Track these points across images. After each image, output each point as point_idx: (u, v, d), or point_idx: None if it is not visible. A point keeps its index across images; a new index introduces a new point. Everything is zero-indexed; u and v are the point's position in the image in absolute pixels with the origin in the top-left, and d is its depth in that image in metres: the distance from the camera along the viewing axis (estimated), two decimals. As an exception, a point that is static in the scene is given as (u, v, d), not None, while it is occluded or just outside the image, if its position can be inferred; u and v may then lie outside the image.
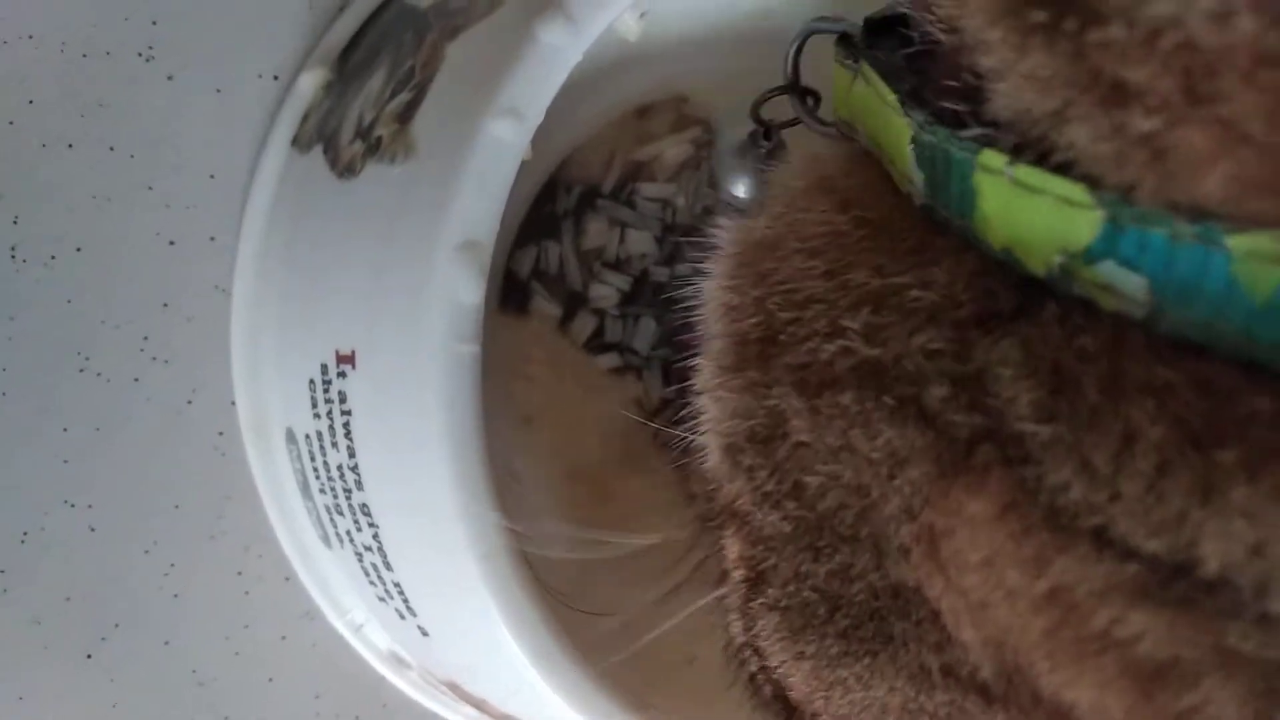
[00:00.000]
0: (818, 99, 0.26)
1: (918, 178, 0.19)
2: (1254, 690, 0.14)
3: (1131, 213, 0.15)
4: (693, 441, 0.22)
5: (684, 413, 0.23)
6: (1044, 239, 0.16)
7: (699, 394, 0.22)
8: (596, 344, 0.36)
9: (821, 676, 0.20)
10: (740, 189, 0.28)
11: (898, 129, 0.19)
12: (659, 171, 0.36)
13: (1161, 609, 0.15)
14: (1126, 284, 0.15)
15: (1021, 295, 0.17)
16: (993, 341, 0.17)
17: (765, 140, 0.27)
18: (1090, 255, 0.16)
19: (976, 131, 0.17)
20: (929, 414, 0.17)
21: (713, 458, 0.22)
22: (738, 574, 0.21)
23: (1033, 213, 0.16)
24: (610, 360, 0.36)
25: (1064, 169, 0.16)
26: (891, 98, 0.19)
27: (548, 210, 0.35)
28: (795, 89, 0.25)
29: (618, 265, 0.36)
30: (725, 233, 0.22)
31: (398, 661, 0.34)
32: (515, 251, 0.34)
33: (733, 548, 0.22)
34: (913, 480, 0.18)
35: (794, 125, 0.26)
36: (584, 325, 0.35)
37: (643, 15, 0.33)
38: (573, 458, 0.35)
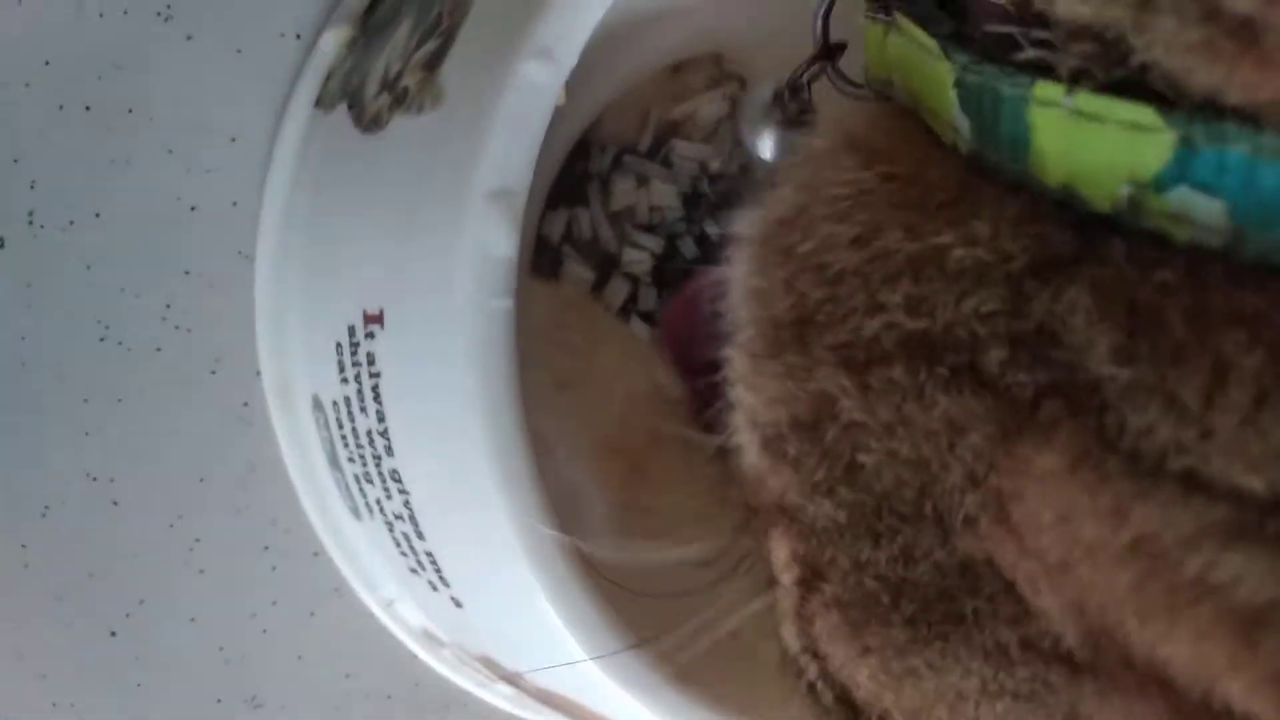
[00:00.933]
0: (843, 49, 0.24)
1: (963, 124, 0.18)
2: None
3: (1207, 131, 0.14)
4: (727, 442, 0.21)
5: (714, 411, 0.22)
6: (1108, 170, 0.15)
7: (731, 385, 0.21)
8: (631, 309, 0.34)
9: (890, 670, 0.19)
10: (765, 149, 0.26)
11: (939, 76, 0.18)
12: (694, 130, 0.35)
13: (1260, 549, 0.14)
14: (1202, 210, 0.14)
15: (1081, 237, 0.16)
16: (1055, 290, 0.16)
17: (793, 99, 0.26)
18: (1160, 183, 0.15)
19: (1031, 54, 0.16)
20: (987, 379, 0.16)
21: (750, 454, 0.21)
22: (789, 576, 0.21)
23: (1095, 143, 0.15)
24: (643, 329, 0.34)
25: (1134, 86, 0.15)
26: (931, 43, 0.18)
27: (580, 169, 0.34)
28: (825, 52, 0.24)
29: (650, 228, 0.34)
30: (747, 217, 0.21)
31: (430, 639, 0.33)
32: (547, 214, 0.33)
33: (781, 549, 0.21)
34: (974, 446, 0.17)
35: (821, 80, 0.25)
36: (617, 291, 0.34)
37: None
38: (606, 428, 0.34)
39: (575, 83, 0.30)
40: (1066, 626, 0.16)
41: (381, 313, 0.26)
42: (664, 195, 0.35)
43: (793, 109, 0.26)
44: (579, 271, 0.34)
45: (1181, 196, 0.15)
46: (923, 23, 0.19)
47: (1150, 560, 0.15)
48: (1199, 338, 0.14)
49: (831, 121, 0.22)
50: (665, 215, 0.35)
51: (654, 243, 0.35)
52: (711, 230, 0.35)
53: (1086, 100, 0.15)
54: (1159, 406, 0.15)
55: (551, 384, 0.33)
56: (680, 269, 0.35)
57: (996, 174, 0.17)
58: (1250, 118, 0.14)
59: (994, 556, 0.17)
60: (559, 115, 0.31)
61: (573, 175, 0.33)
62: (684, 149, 0.35)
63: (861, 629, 0.19)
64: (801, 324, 0.19)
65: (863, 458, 0.18)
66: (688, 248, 0.35)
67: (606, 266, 0.34)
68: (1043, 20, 0.16)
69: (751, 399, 0.20)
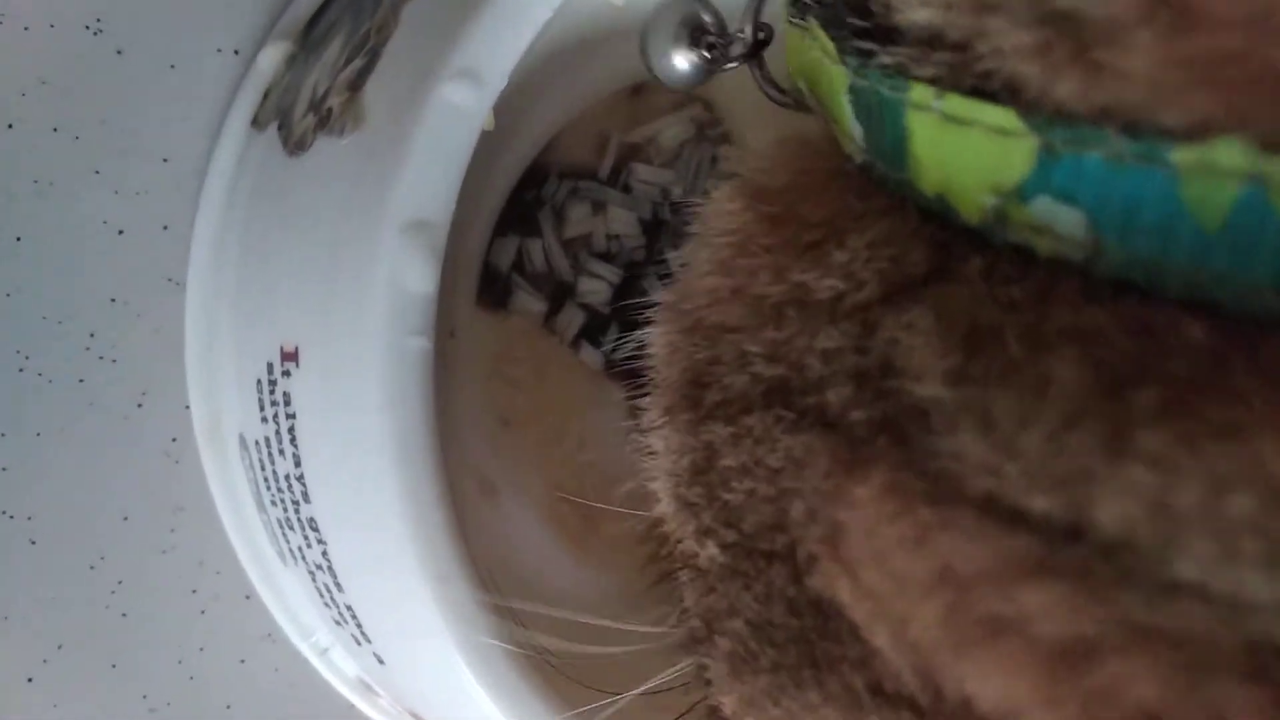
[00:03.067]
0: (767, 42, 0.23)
1: (857, 132, 0.17)
2: (1174, 665, 0.12)
3: (1065, 135, 0.13)
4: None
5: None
6: (976, 178, 0.15)
7: (645, 433, 0.21)
8: (585, 341, 0.33)
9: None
10: (668, 70, 0.24)
11: (835, 81, 0.17)
12: (655, 154, 0.33)
13: (1055, 582, 0.13)
14: (1063, 221, 0.14)
15: (942, 255, 0.16)
16: (899, 314, 0.15)
17: (710, 48, 0.24)
18: (1024, 192, 0.14)
19: (888, 60, 0.16)
20: (830, 418, 0.16)
21: (664, 501, 0.20)
22: (695, 628, 0.20)
23: (964, 149, 0.15)
24: (596, 360, 0.33)
25: (989, 91, 0.14)
26: (830, 46, 0.18)
27: (532, 196, 0.32)
28: (753, 55, 0.23)
29: (608, 256, 0.33)
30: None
31: (366, 688, 0.31)
32: (495, 241, 0.31)
33: (689, 599, 0.20)
34: (812, 481, 0.16)
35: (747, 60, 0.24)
36: (570, 320, 0.32)
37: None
38: (556, 471, 0.32)
39: (523, 105, 0.29)
40: (902, 666, 0.15)
41: (297, 350, 0.24)
42: (623, 222, 0.33)
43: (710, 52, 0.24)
44: (529, 302, 0.32)
45: (1044, 207, 0.14)
46: (828, 26, 0.18)
47: (954, 592, 0.14)
48: (1031, 356, 0.13)
49: (740, 167, 0.21)
50: (624, 243, 0.33)
51: (611, 272, 0.33)
52: (673, 259, 0.33)
53: (954, 103, 0.15)
54: (973, 427, 0.14)
55: (496, 421, 0.31)
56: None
57: (883, 186, 0.17)
58: (1093, 124, 0.13)
59: (835, 593, 0.16)
60: (506, 139, 0.30)
61: (524, 202, 0.32)
62: (644, 173, 0.33)
63: (739, 677, 0.18)
64: (693, 385, 0.19)
65: (730, 497, 0.18)
66: (648, 278, 0.33)
67: (560, 297, 0.32)
68: (898, 30, 0.16)
69: (661, 447, 0.20)
